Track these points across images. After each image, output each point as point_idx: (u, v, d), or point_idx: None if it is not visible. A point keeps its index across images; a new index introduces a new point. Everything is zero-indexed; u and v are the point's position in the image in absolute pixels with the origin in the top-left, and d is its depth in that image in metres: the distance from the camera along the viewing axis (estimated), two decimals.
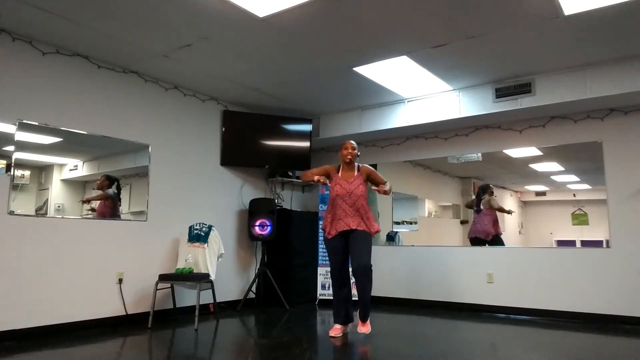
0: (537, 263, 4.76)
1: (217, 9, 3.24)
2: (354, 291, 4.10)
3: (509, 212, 5.13)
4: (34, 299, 3.62)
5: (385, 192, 3.63)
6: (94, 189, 4.14)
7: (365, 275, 3.56)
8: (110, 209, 4.23)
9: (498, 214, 5.17)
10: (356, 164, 3.83)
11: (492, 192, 5.25)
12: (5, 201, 3.53)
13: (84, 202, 4.05)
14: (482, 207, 5.27)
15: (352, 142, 3.82)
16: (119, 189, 4.31)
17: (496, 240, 5.13)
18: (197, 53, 4.03)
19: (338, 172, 3.81)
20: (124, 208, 4.33)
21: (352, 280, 3.78)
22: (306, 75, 4.58)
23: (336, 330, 3.72)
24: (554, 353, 3.19)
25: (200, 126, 5.14)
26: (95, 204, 4.14)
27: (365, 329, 3.69)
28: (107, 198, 4.22)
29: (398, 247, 5.78)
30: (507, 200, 5.26)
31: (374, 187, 3.73)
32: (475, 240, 5.26)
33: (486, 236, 5.19)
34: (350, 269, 3.68)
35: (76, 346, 3.33)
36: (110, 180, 4.25)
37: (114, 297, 4.14)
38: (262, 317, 4.63)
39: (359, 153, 3.85)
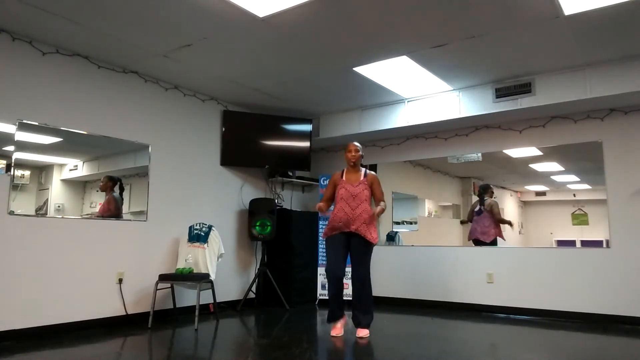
0: (537, 263, 4.76)
1: (217, 9, 3.24)
2: (347, 291, 4.17)
3: (508, 223, 5.11)
4: (34, 299, 3.62)
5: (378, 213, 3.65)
6: (97, 191, 4.15)
7: (363, 284, 3.65)
8: (114, 210, 4.24)
9: (502, 210, 5.17)
10: (363, 169, 3.87)
11: (492, 193, 5.24)
12: (5, 201, 3.53)
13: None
14: (483, 208, 5.26)
15: (357, 143, 3.85)
16: (121, 188, 4.32)
17: (494, 243, 5.12)
18: (197, 53, 4.03)
19: (342, 176, 3.86)
20: (124, 208, 4.33)
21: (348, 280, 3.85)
22: (306, 75, 4.58)
23: (337, 329, 3.73)
24: (554, 353, 3.19)
25: (200, 126, 5.14)
26: (99, 207, 4.16)
27: (364, 333, 3.67)
28: (114, 201, 4.25)
29: (398, 247, 5.78)
30: (507, 200, 5.25)
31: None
32: (475, 242, 5.25)
33: (486, 238, 5.18)
34: (350, 276, 3.77)
35: (76, 346, 3.33)
36: (113, 181, 4.26)
37: (114, 297, 4.14)
38: (262, 317, 4.63)
39: (363, 154, 3.88)
